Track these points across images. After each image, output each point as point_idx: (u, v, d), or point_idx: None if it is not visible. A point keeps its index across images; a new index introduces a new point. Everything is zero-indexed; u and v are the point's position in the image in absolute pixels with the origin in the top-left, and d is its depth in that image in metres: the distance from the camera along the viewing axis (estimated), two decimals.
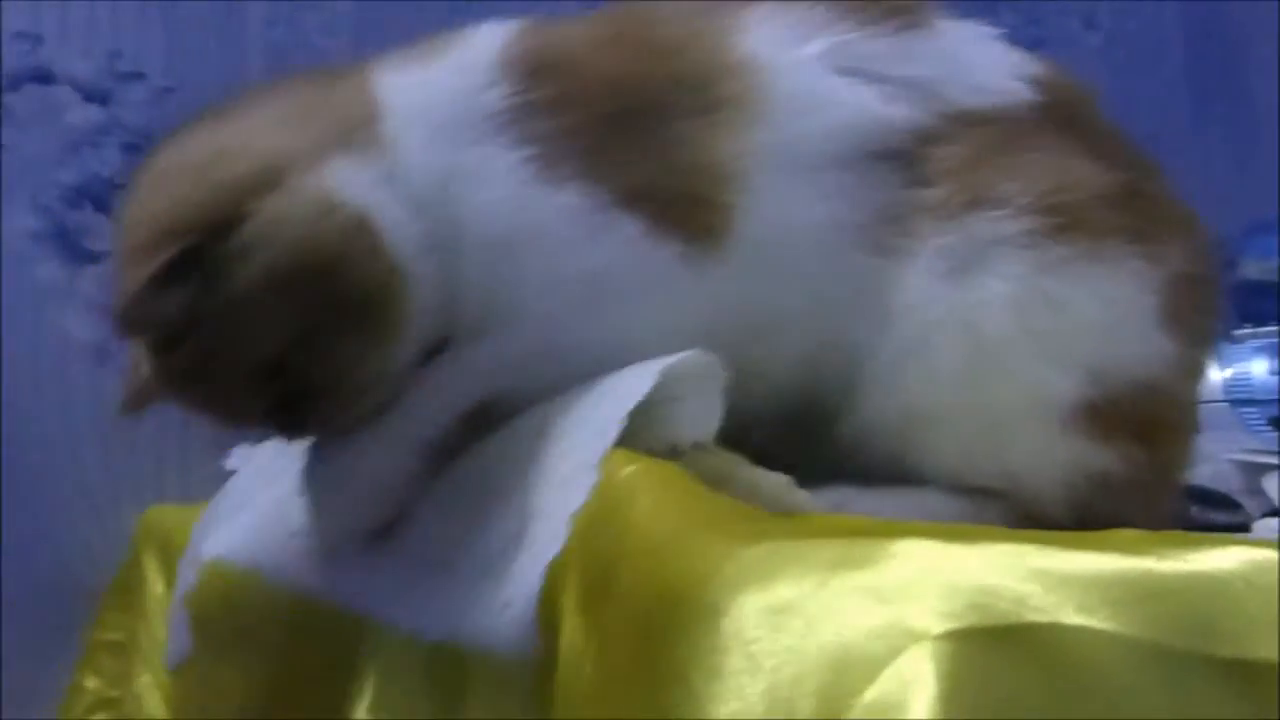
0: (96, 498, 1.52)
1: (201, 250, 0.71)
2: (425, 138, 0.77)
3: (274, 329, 0.73)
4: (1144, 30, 2.10)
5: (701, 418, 0.69)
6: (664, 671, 0.50)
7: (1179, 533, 0.55)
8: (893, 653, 0.44)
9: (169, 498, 1.53)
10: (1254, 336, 1.34)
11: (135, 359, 0.80)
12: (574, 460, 0.67)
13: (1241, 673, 0.45)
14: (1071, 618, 0.45)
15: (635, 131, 0.77)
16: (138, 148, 1.51)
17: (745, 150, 0.76)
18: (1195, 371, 0.84)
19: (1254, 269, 1.50)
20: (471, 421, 0.76)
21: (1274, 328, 1.32)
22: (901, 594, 0.47)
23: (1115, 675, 0.45)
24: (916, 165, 0.78)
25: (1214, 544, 0.49)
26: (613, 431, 0.66)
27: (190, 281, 0.71)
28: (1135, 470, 0.78)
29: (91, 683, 1.42)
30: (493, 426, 0.75)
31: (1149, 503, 0.79)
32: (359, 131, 0.77)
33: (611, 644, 0.57)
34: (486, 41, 0.80)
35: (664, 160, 0.77)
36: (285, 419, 0.78)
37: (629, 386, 0.68)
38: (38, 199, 1.50)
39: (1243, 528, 0.99)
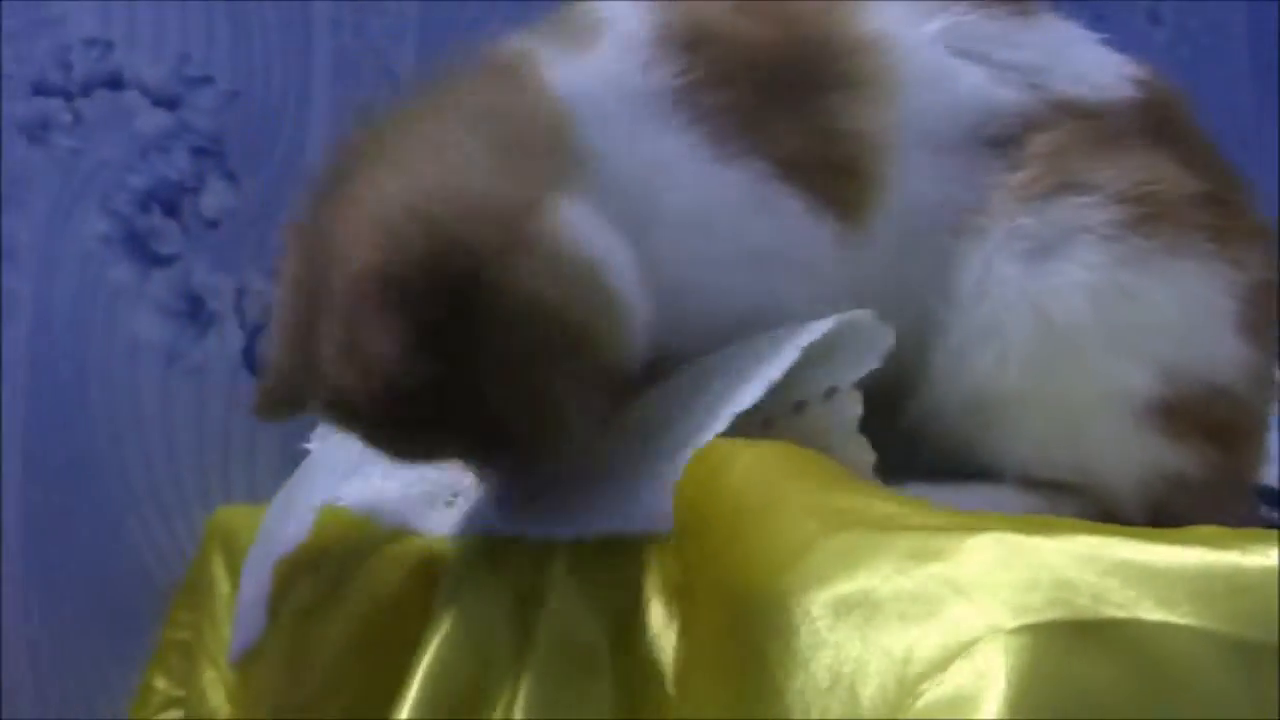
0: (164, 499, 1.53)
1: (448, 314, 0.69)
2: (616, 136, 0.76)
3: (514, 393, 0.71)
4: (1209, 27, 2.07)
5: (846, 369, 0.71)
6: (746, 651, 0.52)
7: (1261, 530, 0.54)
8: (965, 645, 0.44)
9: (236, 499, 1.54)
10: None
11: (276, 363, 0.78)
12: (748, 377, 0.69)
13: None
14: (1151, 613, 0.45)
15: (786, 102, 0.77)
16: (206, 151, 1.53)
17: (887, 123, 0.77)
18: (1269, 380, 0.83)
19: None
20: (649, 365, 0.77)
21: None
22: (978, 586, 0.47)
23: (1198, 671, 0.44)
24: (1017, 149, 0.78)
25: None
26: (789, 358, 0.68)
27: (438, 346, 0.68)
28: (1211, 473, 0.77)
29: (161, 683, 1.43)
30: (654, 380, 0.76)
31: (1224, 506, 0.78)
32: (564, 156, 0.75)
33: (700, 612, 0.60)
34: (633, 19, 0.79)
35: (816, 130, 0.77)
36: (481, 459, 0.77)
37: (806, 331, 0.71)
38: (108, 203, 1.50)
39: None
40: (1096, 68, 0.82)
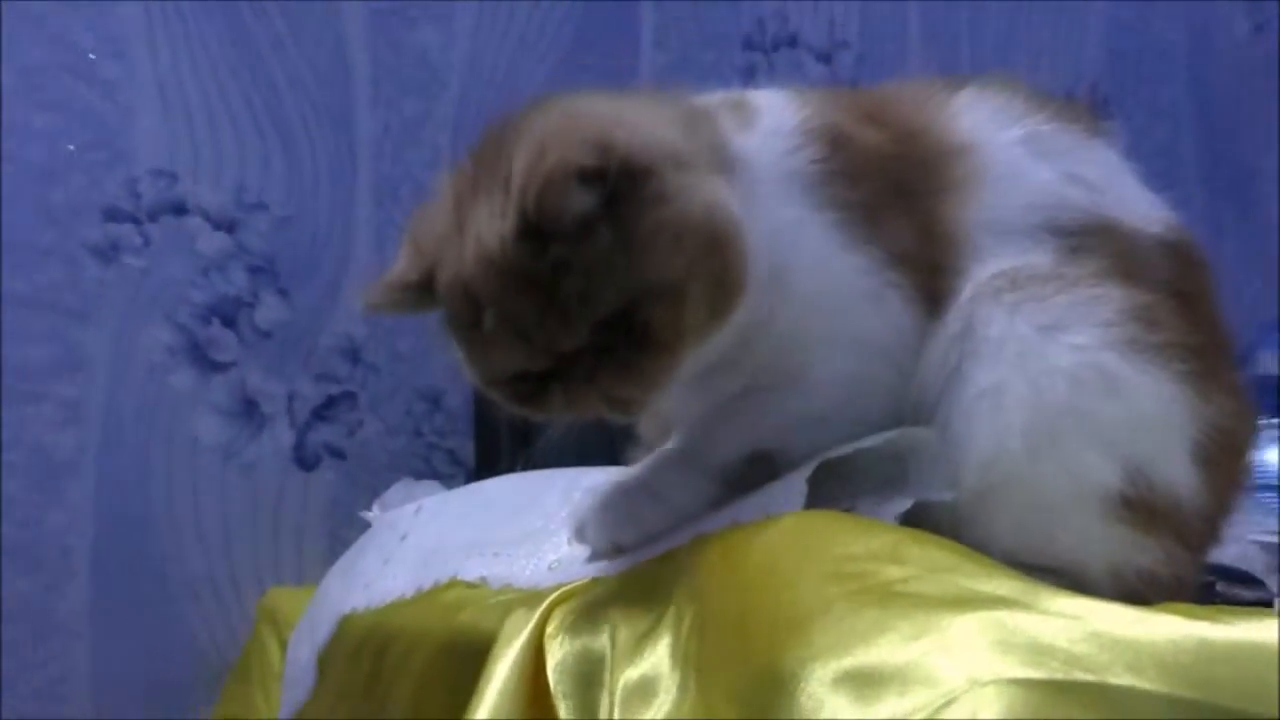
0: (220, 584, 1.55)
1: (618, 179, 0.71)
2: (764, 195, 0.78)
3: (656, 269, 0.72)
4: (1160, 151, 2.11)
5: (901, 493, 0.75)
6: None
7: (1227, 607, 0.55)
8: (947, 695, 0.47)
9: (285, 582, 1.56)
10: (1270, 427, 1.32)
11: (401, 271, 0.78)
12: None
13: None
14: (1120, 678, 0.47)
15: (898, 205, 0.80)
16: (261, 270, 1.58)
17: (972, 220, 0.80)
18: (1214, 514, 0.80)
19: (1270, 363, 1.50)
20: (754, 462, 0.79)
21: None
22: (960, 646, 0.49)
23: None
24: (1069, 241, 0.80)
25: (1262, 616, 0.49)
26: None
27: (603, 194, 0.71)
28: (1180, 569, 0.76)
29: None
30: (773, 473, 0.78)
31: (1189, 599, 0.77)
32: (731, 170, 0.78)
33: (722, 676, 0.62)
34: (781, 108, 0.82)
35: (919, 230, 0.79)
36: (581, 372, 0.75)
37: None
38: (173, 316, 1.54)
39: (1266, 604, 0.98)
40: (1141, 202, 0.84)
